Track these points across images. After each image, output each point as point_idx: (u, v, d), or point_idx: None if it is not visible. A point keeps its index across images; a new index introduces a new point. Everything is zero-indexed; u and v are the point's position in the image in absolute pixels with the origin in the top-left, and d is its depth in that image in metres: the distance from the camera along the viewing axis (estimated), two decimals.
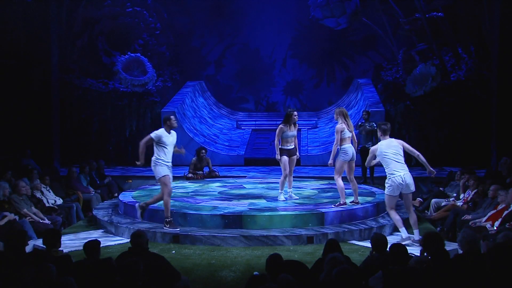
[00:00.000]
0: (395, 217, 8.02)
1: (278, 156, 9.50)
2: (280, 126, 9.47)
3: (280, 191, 9.69)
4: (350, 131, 9.16)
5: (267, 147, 17.17)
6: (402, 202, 10.85)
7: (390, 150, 7.85)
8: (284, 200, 9.57)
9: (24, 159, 13.43)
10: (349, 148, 9.12)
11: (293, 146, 9.57)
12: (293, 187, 9.99)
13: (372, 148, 8.27)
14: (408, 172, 7.91)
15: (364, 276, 4.96)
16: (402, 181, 7.77)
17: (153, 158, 8.35)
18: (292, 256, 7.07)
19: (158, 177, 8.37)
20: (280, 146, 9.51)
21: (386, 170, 7.92)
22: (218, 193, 10.58)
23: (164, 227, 8.41)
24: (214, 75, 20.01)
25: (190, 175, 12.78)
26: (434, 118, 15.72)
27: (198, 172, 12.86)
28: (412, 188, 7.93)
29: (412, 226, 8.07)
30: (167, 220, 8.43)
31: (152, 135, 8.34)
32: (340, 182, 9.08)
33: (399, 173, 7.79)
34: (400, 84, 16.64)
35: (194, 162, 12.93)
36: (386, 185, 7.93)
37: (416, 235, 7.90)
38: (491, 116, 15.02)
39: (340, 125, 9.07)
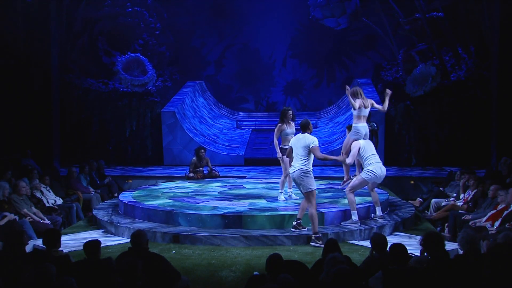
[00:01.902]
0: (352, 199, 8.59)
1: (279, 155, 9.47)
2: (278, 125, 9.44)
3: (280, 191, 9.70)
4: (366, 107, 8.74)
5: (267, 147, 17.17)
6: (399, 202, 10.88)
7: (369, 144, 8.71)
8: (284, 200, 9.58)
9: (24, 159, 13.43)
10: (362, 128, 8.74)
11: None
12: (293, 187, 9.98)
13: (356, 142, 8.64)
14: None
15: (364, 276, 4.96)
16: (381, 171, 8.55)
17: (304, 166, 7.78)
18: (292, 256, 7.07)
19: (309, 189, 7.80)
20: (280, 146, 9.50)
21: (368, 160, 8.52)
22: (218, 193, 10.58)
23: (313, 243, 7.82)
24: (214, 75, 20.01)
25: (191, 174, 12.79)
26: (434, 118, 15.71)
27: (198, 169, 12.86)
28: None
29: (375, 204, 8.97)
30: (317, 236, 7.83)
31: (317, 142, 7.92)
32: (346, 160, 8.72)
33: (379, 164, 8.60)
34: (400, 84, 16.63)
35: (194, 162, 12.93)
36: (368, 171, 8.48)
37: (378, 211, 8.91)
38: (491, 116, 15.02)
39: (359, 100, 8.75)
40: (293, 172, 7.90)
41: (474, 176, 10.24)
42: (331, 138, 16.91)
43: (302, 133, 8.04)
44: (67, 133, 16.45)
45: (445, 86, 15.83)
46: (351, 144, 8.71)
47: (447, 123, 15.66)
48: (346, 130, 9.41)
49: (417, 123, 15.85)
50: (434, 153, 15.67)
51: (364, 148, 8.59)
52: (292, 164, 8.00)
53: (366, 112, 8.82)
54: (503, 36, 14.42)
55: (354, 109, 8.68)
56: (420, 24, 16.75)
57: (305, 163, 7.83)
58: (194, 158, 12.98)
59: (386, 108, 9.13)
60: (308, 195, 7.86)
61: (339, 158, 8.51)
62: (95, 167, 12.83)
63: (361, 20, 18.24)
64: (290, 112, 9.43)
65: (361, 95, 8.81)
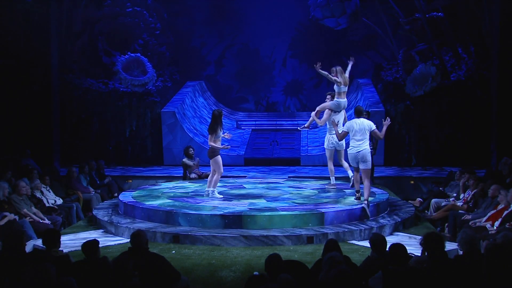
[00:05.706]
0: (331, 167, 10.56)
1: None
2: (214, 127, 9.72)
3: (212, 189, 9.90)
4: (346, 85, 10.24)
5: (267, 147, 17.18)
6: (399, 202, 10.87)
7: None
8: (221, 197, 9.84)
9: (24, 159, 13.42)
10: (342, 102, 10.27)
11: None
12: (291, 187, 10.03)
13: (328, 110, 10.41)
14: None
15: (363, 277, 4.96)
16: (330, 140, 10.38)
17: (368, 147, 8.92)
18: (292, 256, 7.07)
19: (369, 167, 9.00)
20: (215, 145, 9.77)
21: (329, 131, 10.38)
22: (218, 193, 10.57)
23: (363, 203, 8.97)
24: (214, 75, 20.02)
25: (193, 175, 12.76)
26: (434, 118, 15.71)
27: (195, 171, 12.85)
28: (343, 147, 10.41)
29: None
30: (367, 202, 8.98)
31: (374, 125, 8.99)
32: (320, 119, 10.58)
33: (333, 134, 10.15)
34: (400, 84, 16.63)
35: (188, 163, 12.87)
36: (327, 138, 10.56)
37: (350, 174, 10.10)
38: (491, 116, 15.01)
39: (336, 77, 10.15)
40: (359, 151, 8.83)
41: (474, 176, 10.24)
42: None
43: (357, 118, 8.99)
44: (67, 133, 16.45)
45: (445, 86, 15.82)
46: (326, 109, 10.45)
47: (447, 123, 15.66)
48: (329, 97, 10.64)
49: (417, 123, 15.84)
50: (434, 153, 15.67)
51: (332, 119, 10.12)
52: (351, 145, 8.91)
53: (345, 88, 10.30)
54: (503, 36, 14.41)
55: (339, 85, 10.14)
56: (420, 24, 16.75)
57: (367, 143, 8.92)
58: (185, 159, 12.91)
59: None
60: (367, 171, 8.97)
61: (312, 116, 10.73)
62: (95, 167, 12.82)
63: (361, 20, 18.24)
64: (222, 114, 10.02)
65: (343, 73, 10.26)
